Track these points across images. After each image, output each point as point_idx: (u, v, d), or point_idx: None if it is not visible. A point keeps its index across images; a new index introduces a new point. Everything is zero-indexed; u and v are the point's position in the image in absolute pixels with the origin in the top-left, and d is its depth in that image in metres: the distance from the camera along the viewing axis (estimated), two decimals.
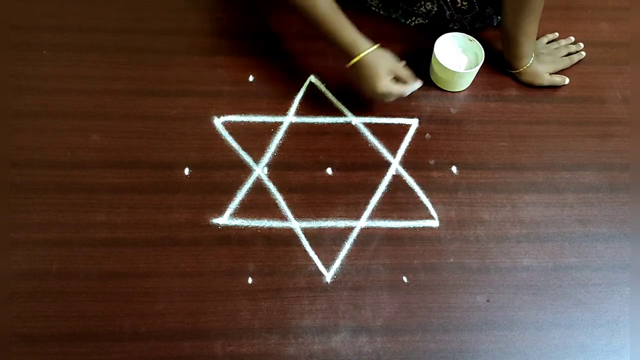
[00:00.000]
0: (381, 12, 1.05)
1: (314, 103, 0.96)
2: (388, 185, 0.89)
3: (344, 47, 0.85)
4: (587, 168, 0.93)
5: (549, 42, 1.03)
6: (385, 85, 0.85)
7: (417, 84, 0.90)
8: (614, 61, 1.03)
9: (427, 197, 0.89)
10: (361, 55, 0.84)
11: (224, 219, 0.85)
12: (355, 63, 0.85)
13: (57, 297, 0.78)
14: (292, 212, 0.86)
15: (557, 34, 1.04)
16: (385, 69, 0.85)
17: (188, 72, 0.98)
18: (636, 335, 0.67)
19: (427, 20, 1.03)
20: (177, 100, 0.95)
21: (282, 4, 0.84)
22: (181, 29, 1.03)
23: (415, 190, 0.89)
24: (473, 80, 0.98)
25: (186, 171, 0.89)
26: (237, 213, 0.86)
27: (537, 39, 1.00)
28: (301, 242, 0.84)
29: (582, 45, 1.03)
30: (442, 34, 0.96)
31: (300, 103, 0.96)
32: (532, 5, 0.87)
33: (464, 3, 0.96)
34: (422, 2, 0.99)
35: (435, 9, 0.99)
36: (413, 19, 1.03)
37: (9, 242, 0.81)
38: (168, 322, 0.78)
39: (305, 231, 0.85)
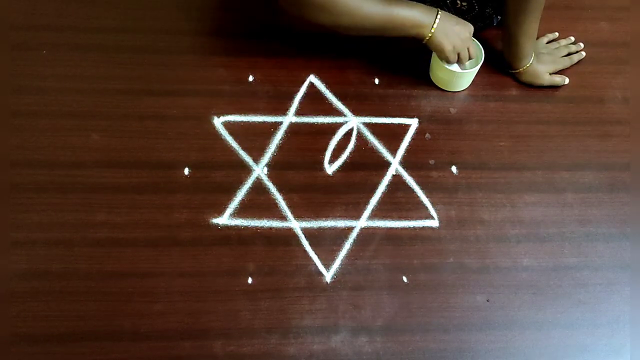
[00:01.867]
0: None
1: (314, 103, 0.96)
2: (388, 185, 0.89)
3: (415, 25, 0.84)
4: (587, 168, 0.93)
5: (549, 42, 1.03)
6: (470, 28, 0.89)
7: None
8: (614, 61, 1.03)
9: (427, 197, 0.89)
10: (437, 21, 0.85)
11: (224, 219, 0.85)
12: (437, 26, 0.85)
13: (57, 297, 0.78)
14: (292, 212, 0.86)
15: (557, 34, 1.04)
16: (461, 20, 0.89)
17: (188, 72, 0.98)
18: (636, 335, 0.67)
19: None
20: (177, 100, 0.95)
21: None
22: (181, 29, 1.03)
23: (415, 190, 0.89)
24: (473, 80, 0.98)
25: (186, 171, 0.89)
26: (237, 213, 0.86)
27: (537, 38, 1.00)
28: (301, 242, 0.84)
29: (582, 45, 1.03)
30: None
31: (300, 103, 0.96)
32: (533, 6, 0.87)
33: (464, 4, 0.96)
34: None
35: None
36: None
37: (9, 242, 0.81)
38: (168, 322, 0.78)
39: (305, 231, 0.85)
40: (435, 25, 0.85)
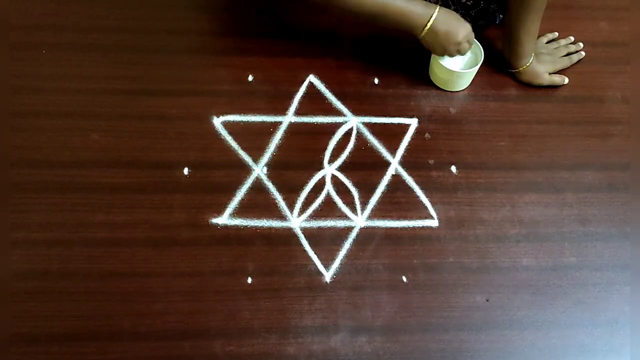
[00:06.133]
0: None
1: (314, 103, 0.96)
2: (387, 185, 0.89)
3: (412, 19, 0.84)
4: (586, 168, 0.93)
5: (548, 42, 1.03)
6: (468, 33, 0.87)
7: None
8: (614, 61, 1.03)
9: (426, 196, 0.89)
10: (434, 15, 0.84)
11: (224, 219, 0.85)
12: (430, 27, 0.85)
13: (56, 297, 0.78)
14: (292, 212, 0.86)
15: (556, 33, 1.04)
16: (460, 20, 0.87)
17: (188, 72, 0.98)
18: (636, 335, 0.67)
19: None
20: (177, 100, 0.95)
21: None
22: (181, 29, 1.03)
23: (414, 190, 0.89)
24: (473, 80, 0.98)
25: (185, 171, 0.89)
26: (237, 213, 0.86)
27: (537, 38, 1.00)
28: (300, 241, 0.84)
29: (581, 45, 1.03)
30: None
31: (300, 103, 0.96)
32: (536, 3, 0.87)
33: None
34: None
35: (440, 4, 0.99)
36: None
37: (9, 242, 0.81)
38: (168, 322, 0.78)
39: (305, 231, 0.85)
40: (430, 22, 0.85)
